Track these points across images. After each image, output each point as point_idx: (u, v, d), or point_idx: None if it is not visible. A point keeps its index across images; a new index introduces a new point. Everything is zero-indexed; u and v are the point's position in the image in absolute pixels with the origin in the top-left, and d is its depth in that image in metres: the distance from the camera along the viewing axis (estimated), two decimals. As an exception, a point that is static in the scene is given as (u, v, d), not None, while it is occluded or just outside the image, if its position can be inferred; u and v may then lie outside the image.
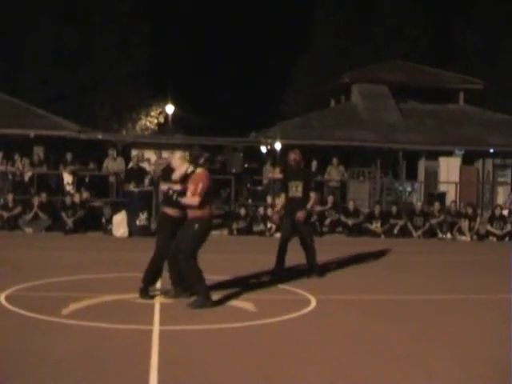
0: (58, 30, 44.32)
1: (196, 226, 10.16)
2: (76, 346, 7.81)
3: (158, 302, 10.28)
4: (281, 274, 12.96)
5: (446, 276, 14.22)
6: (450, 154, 30.50)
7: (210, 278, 12.12)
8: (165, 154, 22.76)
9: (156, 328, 8.71)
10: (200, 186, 10.14)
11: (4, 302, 10.01)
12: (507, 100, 42.87)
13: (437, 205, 22.90)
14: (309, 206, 13.37)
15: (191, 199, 10.16)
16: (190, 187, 10.19)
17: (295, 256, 13.49)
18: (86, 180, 24.41)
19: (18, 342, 7.96)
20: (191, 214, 10.25)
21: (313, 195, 13.45)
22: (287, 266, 13.59)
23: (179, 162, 10.54)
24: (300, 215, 12.93)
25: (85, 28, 45.26)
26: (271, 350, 7.87)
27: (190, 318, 9.39)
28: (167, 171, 10.98)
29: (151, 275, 10.65)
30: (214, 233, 21.65)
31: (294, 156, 13.44)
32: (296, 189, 13.30)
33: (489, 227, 22.28)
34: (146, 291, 10.56)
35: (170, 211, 10.62)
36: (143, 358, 7.29)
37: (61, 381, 6.58)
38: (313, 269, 13.21)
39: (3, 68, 33.02)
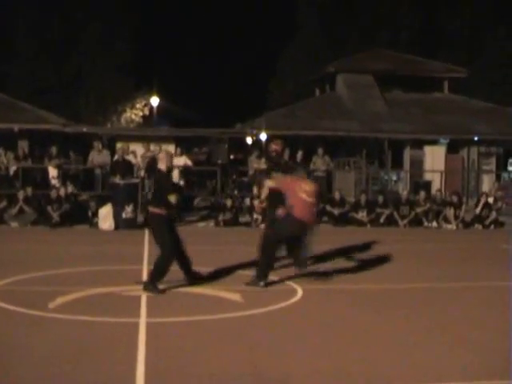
0: (43, 23, 44.10)
1: None
2: (63, 340, 7.80)
3: (144, 295, 10.26)
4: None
5: (432, 264, 14.26)
6: (435, 142, 30.61)
7: (197, 269, 12.16)
8: (152, 147, 22.66)
9: (143, 320, 8.71)
10: None
11: (-10, 297, 10.00)
12: (491, 88, 43.01)
13: (422, 193, 22.95)
14: None
15: None
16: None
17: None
18: (70, 173, 24.33)
19: (5, 336, 7.94)
20: None
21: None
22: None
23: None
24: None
25: (69, 20, 45.03)
26: (259, 341, 7.89)
27: (176, 309, 9.40)
28: (152, 164, 11.14)
29: (162, 274, 10.59)
30: (200, 224, 21.79)
31: (274, 147, 13.06)
32: None
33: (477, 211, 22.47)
34: (154, 286, 10.50)
35: (158, 210, 10.68)
36: (130, 351, 7.30)
37: (48, 374, 6.58)
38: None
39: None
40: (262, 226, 21.17)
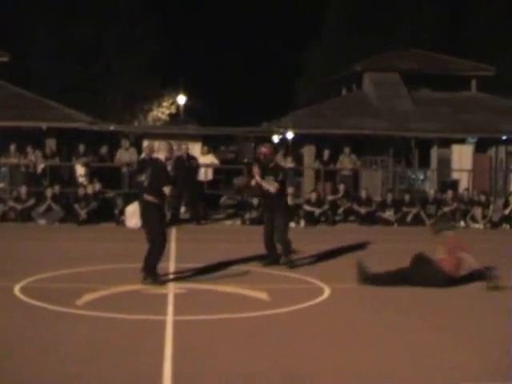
0: (69, 22, 44.31)
1: None
2: (90, 336, 7.84)
3: (171, 292, 10.29)
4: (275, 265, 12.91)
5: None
6: (462, 141, 30.35)
7: (225, 267, 12.19)
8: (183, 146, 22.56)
9: (170, 318, 8.73)
10: None
11: (19, 294, 10.06)
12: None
13: (450, 193, 22.81)
14: (290, 202, 13.32)
15: None
16: None
17: (306, 246, 13.47)
18: (95, 169, 24.41)
19: (33, 332, 8.00)
20: None
21: (290, 190, 13.40)
22: (300, 255, 13.62)
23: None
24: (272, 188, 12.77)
25: (95, 19, 45.21)
26: (286, 340, 7.88)
27: (203, 308, 9.41)
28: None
29: (155, 262, 10.92)
30: (227, 223, 21.80)
31: (263, 149, 13.14)
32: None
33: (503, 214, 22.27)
34: (155, 275, 10.78)
35: (153, 199, 10.95)
36: (157, 348, 7.32)
37: (75, 370, 6.61)
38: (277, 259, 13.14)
39: (15, 61, 33.07)
40: (290, 224, 21.26)
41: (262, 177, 12.86)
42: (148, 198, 10.99)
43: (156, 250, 10.92)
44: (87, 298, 9.80)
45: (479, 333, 8.38)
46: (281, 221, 12.93)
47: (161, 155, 11.41)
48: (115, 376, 6.46)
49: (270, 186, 12.71)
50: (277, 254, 13.09)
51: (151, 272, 10.80)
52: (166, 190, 10.93)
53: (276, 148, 29.97)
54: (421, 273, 11.00)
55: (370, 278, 10.92)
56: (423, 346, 7.69)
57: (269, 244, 13.03)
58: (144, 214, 11.41)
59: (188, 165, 20.81)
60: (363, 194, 22.78)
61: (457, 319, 9.08)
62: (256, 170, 12.96)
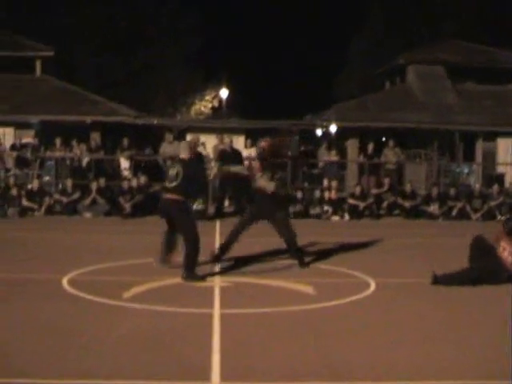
0: (109, 16, 44.58)
1: None
2: (137, 329, 7.89)
3: (217, 286, 10.33)
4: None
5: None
6: (508, 134, 30.00)
7: (270, 261, 12.20)
8: (225, 139, 22.56)
9: (216, 311, 8.76)
10: None
11: (66, 286, 10.17)
12: None
13: (496, 187, 22.59)
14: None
15: None
16: None
17: (351, 239, 13.41)
18: (142, 165, 24.61)
19: (81, 324, 8.07)
20: None
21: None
22: (345, 249, 13.60)
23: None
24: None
25: (136, 12, 45.43)
26: (332, 333, 7.87)
27: (249, 301, 9.43)
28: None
29: (195, 260, 10.89)
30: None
31: (263, 143, 12.73)
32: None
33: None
34: (194, 274, 10.78)
35: (181, 198, 11.09)
36: (205, 341, 7.34)
37: (123, 362, 6.65)
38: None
39: (60, 55, 33.39)
40: (334, 218, 21.24)
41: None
42: (177, 197, 11.03)
43: (192, 249, 10.85)
44: (134, 290, 9.86)
45: None
46: (282, 219, 12.24)
47: (184, 154, 11.34)
48: (164, 368, 6.48)
49: (268, 186, 12.26)
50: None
51: (191, 271, 10.78)
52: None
53: (320, 141, 29.95)
54: (484, 267, 10.81)
55: (440, 280, 10.68)
56: (472, 342, 7.62)
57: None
58: (171, 213, 11.32)
59: (232, 158, 20.86)
60: (408, 187, 22.67)
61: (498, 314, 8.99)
62: (257, 166, 12.33)
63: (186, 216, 11.14)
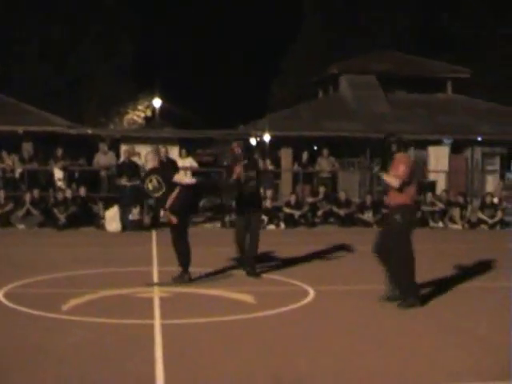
0: (43, 25, 44.08)
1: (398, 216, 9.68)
2: (79, 342, 7.81)
3: (156, 296, 10.29)
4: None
5: (439, 265, 14.25)
6: (438, 143, 30.58)
7: (206, 271, 12.22)
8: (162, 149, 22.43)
9: (158, 322, 8.73)
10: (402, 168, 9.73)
11: (3, 300, 10.00)
12: (494, 89, 42.98)
13: (429, 194, 22.98)
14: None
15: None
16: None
17: (287, 248, 13.49)
18: (76, 175, 24.38)
19: (21, 339, 7.96)
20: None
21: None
22: (282, 257, 13.67)
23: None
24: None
25: (69, 22, 45.01)
26: (274, 342, 7.91)
27: (189, 311, 9.41)
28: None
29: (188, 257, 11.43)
30: (207, 225, 21.81)
31: (234, 148, 13.03)
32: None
33: (480, 215, 22.41)
34: (187, 273, 11.38)
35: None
36: (147, 352, 7.31)
37: (65, 376, 6.59)
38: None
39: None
40: (270, 227, 21.33)
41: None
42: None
43: (184, 251, 11.49)
44: (73, 302, 9.76)
45: (476, 331, 8.46)
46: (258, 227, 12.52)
47: (150, 165, 11.49)
48: (108, 381, 6.45)
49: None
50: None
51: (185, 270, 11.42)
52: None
53: (254, 151, 30.05)
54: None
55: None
56: (414, 346, 7.74)
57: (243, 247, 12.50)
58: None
59: (167, 168, 20.79)
60: (342, 195, 22.89)
61: (452, 318, 9.14)
62: (239, 169, 12.35)
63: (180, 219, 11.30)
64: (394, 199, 9.83)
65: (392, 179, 9.74)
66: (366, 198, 22.89)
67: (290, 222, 21.71)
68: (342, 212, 22.27)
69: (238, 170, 12.28)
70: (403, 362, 7.14)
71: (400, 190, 9.69)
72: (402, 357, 7.34)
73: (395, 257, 9.78)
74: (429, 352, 7.48)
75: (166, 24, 64.84)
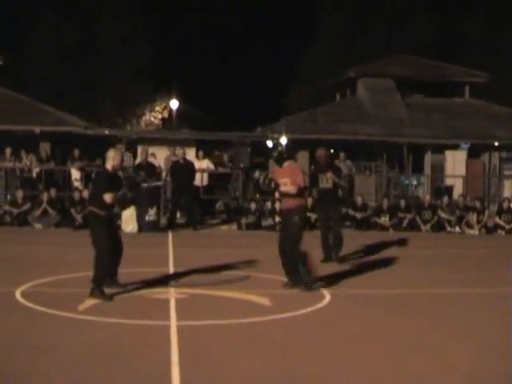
0: (61, 25, 44.30)
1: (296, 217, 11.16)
2: (95, 342, 7.84)
3: (172, 298, 10.31)
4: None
5: (455, 269, 14.22)
6: (455, 147, 30.46)
7: (222, 272, 12.22)
8: (179, 151, 22.38)
9: (173, 323, 8.74)
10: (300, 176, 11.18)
11: (20, 299, 10.05)
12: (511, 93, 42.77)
13: (446, 199, 22.90)
14: None
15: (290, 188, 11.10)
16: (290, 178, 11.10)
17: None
18: (93, 176, 24.41)
19: (37, 338, 7.99)
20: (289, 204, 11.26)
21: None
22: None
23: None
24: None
25: (86, 22, 45.18)
26: (288, 345, 7.91)
27: (205, 313, 9.42)
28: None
29: (103, 276, 10.41)
30: (223, 227, 21.81)
31: (320, 152, 14.81)
32: (326, 181, 14.43)
33: (497, 220, 22.30)
34: (100, 291, 10.23)
35: (96, 210, 10.54)
36: (163, 353, 7.33)
37: (79, 375, 6.61)
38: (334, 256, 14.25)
39: (7, 64, 32.95)
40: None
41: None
42: (92, 209, 10.67)
43: (100, 265, 10.38)
44: (89, 302, 9.80)
45: (493, 337, 8.43)
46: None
47: (108, 164, 10.77)
48: (124, 381, 6.46)
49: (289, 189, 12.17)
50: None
51: (97, 288, 10.25)
52: (107, 198, 10.31)
53: (271, 153, 30.05)
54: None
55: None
56: (428, 349, 7.72)
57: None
58: (89, 225, 10.96)
59: (184, 169, 20.85)
60: (359, 199, 22.83)
61: (465, 323, 9.11)
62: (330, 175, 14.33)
63: (97, 229, 10.74)
64: (289, 202, 11.25)
65: (290, 188, 11.06)
66: (383, 202, 22.82)
67: (307, 224, 21.62)
68: (358, 215, 22.19)
69: (330, 175, 14.26)
70: (417, 367, 7.12)
71: (297, 194, 11.09)
72: (416, 361, 7.32)
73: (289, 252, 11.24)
74: (444, 357, 7.46)
75: (184, 24, 64.87)
